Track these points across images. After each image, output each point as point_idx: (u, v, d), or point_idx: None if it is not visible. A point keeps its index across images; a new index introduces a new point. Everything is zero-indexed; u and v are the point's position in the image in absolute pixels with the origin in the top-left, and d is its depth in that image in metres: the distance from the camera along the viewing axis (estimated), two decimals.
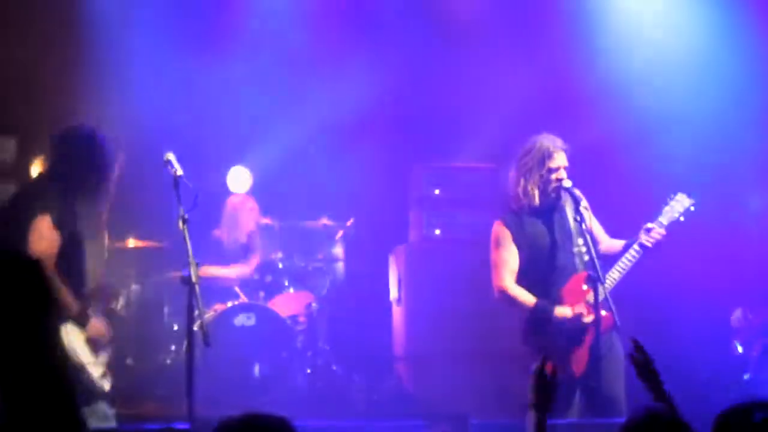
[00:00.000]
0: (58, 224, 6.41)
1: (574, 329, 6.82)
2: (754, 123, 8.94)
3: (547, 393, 4.20)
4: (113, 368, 6.80)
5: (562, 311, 6.83)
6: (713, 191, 8.55)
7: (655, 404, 4.01)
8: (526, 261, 7.04)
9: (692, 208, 7.11)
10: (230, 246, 9.59)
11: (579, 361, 6.83)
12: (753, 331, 7.87)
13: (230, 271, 9.40)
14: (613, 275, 6.89)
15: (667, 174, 8.53)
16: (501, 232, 7.10)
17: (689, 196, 7.12)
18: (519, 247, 7.05)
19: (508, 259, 7.04)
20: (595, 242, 7.05)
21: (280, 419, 3.31)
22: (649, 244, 6.94)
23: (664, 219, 7.05)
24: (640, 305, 8.25)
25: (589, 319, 6.75)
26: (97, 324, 6.61)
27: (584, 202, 7.02)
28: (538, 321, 6.90)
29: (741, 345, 7.94)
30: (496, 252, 7.11)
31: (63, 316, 6.32)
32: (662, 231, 6.96)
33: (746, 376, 7.92)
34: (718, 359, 8.11)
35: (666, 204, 7.11)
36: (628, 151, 9.25)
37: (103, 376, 6.57)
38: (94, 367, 6.53)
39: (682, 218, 7.08)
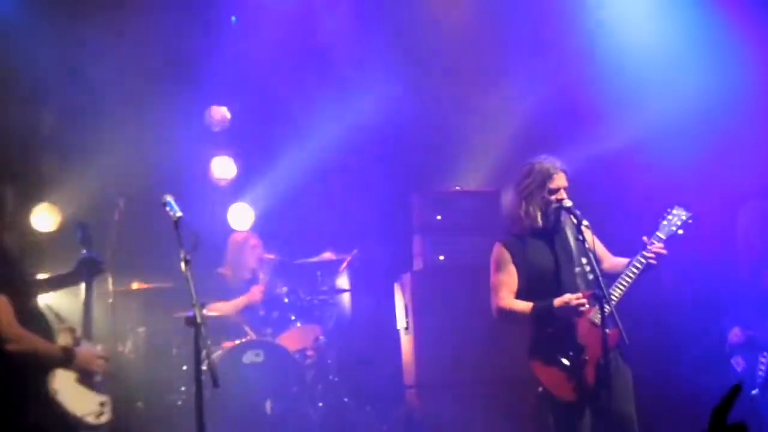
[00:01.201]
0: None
1: (578, 347, 6.80)
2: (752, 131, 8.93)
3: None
4: (119, 407, 6.75)
5: (561, 299, 6.78)
6: (711, 202, 8.58)
7: None
8: (527, 283, 7.02)
9: (690, 221, 7.11)
10: (235, 283, 9.60)
11: (587, 379, 6.80)
12: (754, 346, 7.85)
13: (238, 302, 9.39)
14: (615, 293, 6.87)
15: (666, 187, 8.53)
16: (501, 254, 7.09)
17: (686, 209, 7.13)
18: (519, 269, 7.03)
19: (508, 282, 7.03)
20: (597, 261, 7.04)
21: None
22: (650, 261, 6.94)
23: (662, 233, 7.04)
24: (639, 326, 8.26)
25: (586, 307, 6.72)
26: (85, 351, 6.45)
27: (585, 222, 7.02)
28: (541, 325, 6.85)
29: (744, 360, 7.91)
30: (495, 275, 7.09)
31: (47, 366, 6.19)
32: (660, 246, 6.96)
33: (754, 392, 7.89)
34: (721, 380, 8.09)
35: (663, 218, 7.11)
36: (626, 168, 9.24)
37: (99, 416, 6.45)
38: (90, 414, 6.42)
39: (680, 231, 7.08)
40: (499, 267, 7.05)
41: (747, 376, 7.90)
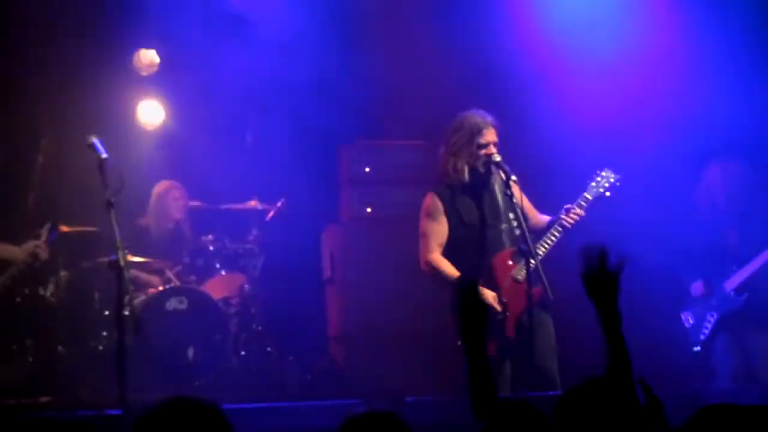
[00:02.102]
0: None
1: (500, 303, 6.84)
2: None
3: (478, 316, 4.03)
4: (41, 351, 6.69)
5: (484, 293, 6.81)
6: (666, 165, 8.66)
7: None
8: (454, 235, 7.06)
9: (618, 184, 7.18)
10: (157, 234, 9.50)
11: (506, 334, 6.85)
12: (706, 304, 7.94)
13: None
14: (540, 250, 6.93)
15: (600, 148, 8.57)
16: (433, 203, 7.11)
17: (615, 171, 7.18)
18: (449, 221, 7.05)
19: (438, 231, 7.05)
20: (525, 217, 7.09)
21: (208, 402, 3.27)
22: (569, 225, 7.01)
23: (590, 194, 7.11)
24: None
25: (502, 312, 6.78)
26: None
27: (513, 177, 7.04)
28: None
29: (693, 317, 8.01)
30: (426, 222, 7.11)
31: None
32: (580, 212, 7.02)
33: (696, 349, 7.99)
34: (669, 330, 8.18)
35: (592, 179, 7.17)
36: (559, 127, 9.26)
37: None
38: None
39: (608, 194, 7.15)
40: (431, 216, 7.07)
41: (693, 331, 8.00)
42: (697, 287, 8.02)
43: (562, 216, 7.04)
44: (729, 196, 7.98)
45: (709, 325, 7.91)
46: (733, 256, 7.92)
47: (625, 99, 9.19)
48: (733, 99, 8.81)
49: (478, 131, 7.06)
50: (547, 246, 6.98)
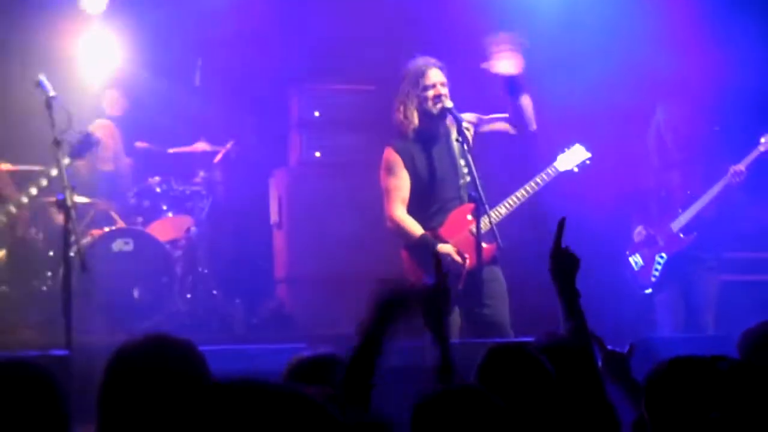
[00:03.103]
0: None
1: (453, 263, 6.84)
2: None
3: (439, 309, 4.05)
4: None
5: (444, 248, 6.84)
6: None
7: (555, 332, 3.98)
8: (414, 188, 7.03)
9: (588, 162, 7.21)
10: (90, 176, 9.36)
11: (455, 285, 6.86)
12: (653, 246, 8.02)
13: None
14: (500, 210, 6.94)
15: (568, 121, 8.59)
16: (392, 158, 7.06)
17: (587, 149, 7.23)
18: (409, 173, 7.03)
19: (400, 186, 7.02)
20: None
21: (186, 341, 3.27)
22: (537, 186, 7.02)
23: (559, 166, 7.14)
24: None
25: (464, 264, 6.79)
26: None
27: (467, 122, 7.02)
28: (422, 252, 6.90)
29: (642, 260, 8.08)
30: (387, 179, 7.07)
31: None
32: (546, 178, 7.05)
33: (648, 291, 8.08)
34: (618, 275, 8.25)
35: (563, 152, 7.20)
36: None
37: None
38: None
39: (576, 169, 7.18)
40: (391, 171, 7.03)
41: (643, 274, 8.09)
42: (639, 232, 8.11)
43: (537, 179, 7.06)
44: (674, 136, 8.06)
45: (659, 267, 8.01)
46: (679, 197, 8.02)
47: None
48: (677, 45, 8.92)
49: (421, 74, 7.02)
50: (510, 205, 6.98)
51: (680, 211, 7.97)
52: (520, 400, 3.37)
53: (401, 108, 7.06)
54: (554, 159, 7.23)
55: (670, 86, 8.61)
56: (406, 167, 7.03)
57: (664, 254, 8.01)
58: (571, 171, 7.23)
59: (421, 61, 7.07)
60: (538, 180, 7.06)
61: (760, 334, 4.16)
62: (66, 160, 6.61)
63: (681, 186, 8.05)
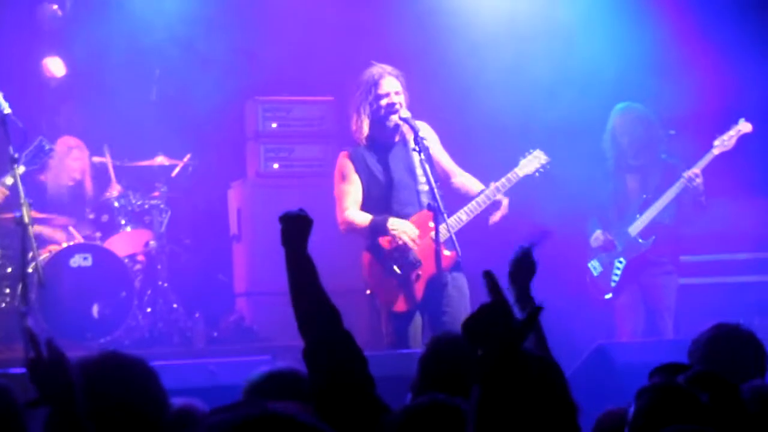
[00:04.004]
0: None
1: (410, 263, 6.84)
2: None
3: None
4: None
5: (397, 223, 6.82)
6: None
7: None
8: (368, 195, 7.03)
9: (548, 167, 7.23)
10: (55, 191, 9.32)
11: (415, 293, 6.87)
12: (611, 251, 8.06)
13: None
14: (461, 216, 6.94)
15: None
16: (344, 164, 7.07)
17: (547, 154, 7.25)
18: (362, 180, 7.02)
19: (351, 191, 7.01)
20: (446, 175, 7.10)
21: (138, 358, 3.26)
22: (498, 192, 7.02)
23: (520, 171, 7.15)
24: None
25: (417, 244, 6.78)
26: None
27: (424, 133, 7.02)
28: (376, 238, 6.89)
29: (600, 265, 8.12)
30: (339, 185, 7.07)
31: None
32: (507, 184, 7.05)
33: (608, 296, 8.11)
34: (576, 280, 8.28)
35: (524, 157, 7.21)
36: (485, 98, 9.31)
37: None
38: None
39: (537, 174, 7.20)
40: (343, 177, 7.03)
41: (602, 280, 8.12)
42: (596, 238, 8.15)
43: (492, 185, 7.05)
44: (631, 142, 8.11)
45: (619, 272, 8.05)
46: (636, 201, 8.07)
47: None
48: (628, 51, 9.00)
49: (374, 82, 6.99)
50: (470, 212, 6.99)
51: (637, 215, 8.02)
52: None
53: (354, 116, 7.06)
54: (515, 164, 7.24)
55: (626, 90, 8.67)
56: (359, 172, 7.02)
57: (622, 259, 8.05)
58: (532, 176, 7.24)
59: (375, 69, 7.05)
60: (499, 186, 7.06)
61: (708, 341, 4.18)
62: (21, 169, 6.57)
63: (638, 190, 8.11)
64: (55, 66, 9.85)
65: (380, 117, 6.98)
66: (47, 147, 7.60)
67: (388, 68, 7.06)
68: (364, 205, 7.03)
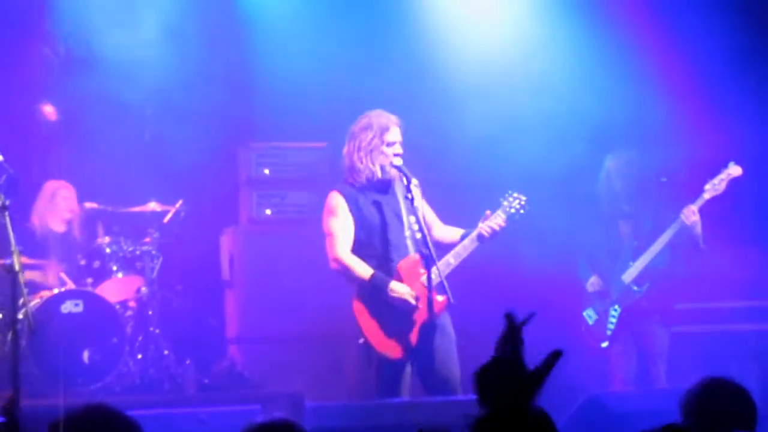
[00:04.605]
0: None
1: (405, 310, 6.82)
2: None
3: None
4: None
5: (399, 286, 6.83)
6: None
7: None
8: (357, 236, 7.03)
9: (527, 206, 7.21)
10: (43, 236, 9.29)
11: (410, 339, 6.85)
12: (606, 298, 8.04)
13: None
14: (449, 260, 6.93)
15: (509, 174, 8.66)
16: (336, 201, 7.07)
17: (523, 193, 7.25)
18: (354, 219, 7.02)
19: (344, 228, 7.01)
20: (428, 226, 7.10)
21: (122, 411, 3.23)
22: (486, 234, 7.01)
23: (503, 213, 7.14)
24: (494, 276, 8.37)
25: (420, 304, 6.78)
26: None
27: (415, 180, 7.05)
28: (372, 294, 6.88)
29: (595, 313, 8.09)
30: (331, 220, 7.06)
31: None
32: (500, 222, 7.04)
33: (604, 345, 8.08)
34: (573, 329, 8.26)
35: (504, 198, 7.21)
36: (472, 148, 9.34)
37: None
38: None
39: (518, 216, 7.19)
40: (334, 213, 7.02)
41: (598, 328, 8.08)
42: (593, 283, 8.13)
43: (480, 224, 7.04)
44: (624, 187, 8.11)
45: (614, 320, 8.02)
46: (630, 248, 8.05)
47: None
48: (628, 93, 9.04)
49: (384, 129, 7.06)
50: (458, 255, 6.99)
51: (631, 262, 8.01)
52: None
53: (356, 158, 7.07)
54: (497, 206, 7.22)
55: (620, 135, 8.70)
56: (351, 212, 7.02)
57: (617, 306, 8.03)
58: (515, 216, 7.21)
59: (383, 116, 7.10)
60: (485, 228, 7.04)
61: (699, 394, 4.18)
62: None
63: (630, 236, 8.10)
64: (48, 111, 9.86)
65: (383, 162, 7.01)
66: (10, 172, 7.50)
67: (394, 118, 7.12)
68: (354, 244, 7.03)
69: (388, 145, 7.04)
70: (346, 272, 7.00)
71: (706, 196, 7.92)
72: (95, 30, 9.54)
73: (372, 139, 7.05)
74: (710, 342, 8.69)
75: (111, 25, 9.58)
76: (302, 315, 9.24)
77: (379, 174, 7.04)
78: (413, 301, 6.80)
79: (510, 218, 7.13)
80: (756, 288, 8.87)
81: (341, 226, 7.02)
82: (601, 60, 9.22)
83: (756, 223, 8.99)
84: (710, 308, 8.95)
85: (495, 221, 7.05)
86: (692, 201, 7.93)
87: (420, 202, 7.17)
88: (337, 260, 7.01)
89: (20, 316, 6.55)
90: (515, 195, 7.23)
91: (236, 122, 9.75)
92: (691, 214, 7.83)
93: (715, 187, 7.91)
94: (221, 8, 9.99)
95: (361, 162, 7.06)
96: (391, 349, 6.83)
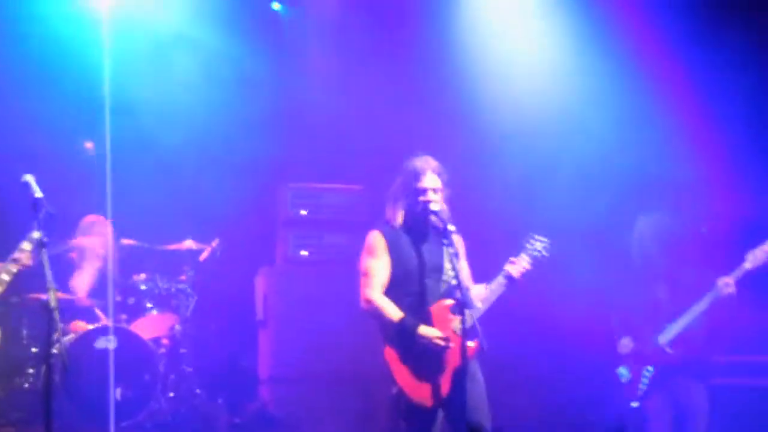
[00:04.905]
0: None
1: (436, 354, 6.79)
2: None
3: None
4: None
5: (428, 330, 6.79)
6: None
7: None
8: (393, 278, 7.00)
9: (550, 248, 7.17)
10: (82, 271, 9.35)
11: (442, 386, 6.81)
12: (640, 358, 7.97)
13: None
14: (478, 304, 6.88)
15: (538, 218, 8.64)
16: (376, 241, 7.03)
17: (545, 236, 7.20)
18: (392, 259, 6.99)
19: (380, 270, 6.96)
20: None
21: None
22: (516, 275, 6.97)
23: (527, 255, 7.10)
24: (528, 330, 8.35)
25: (451, 345, 6.75)
26: None
27: (452, 227, 7.00)
28: (401, 338, 6.86)
29: (629, 372, 8.02)
30: (368, 260, 7.02)
31: None
32: (525, 264, 7.00)
33: (635, 404, 8.00)
34: (605, 387, 8.21)
35: (527, 241, 7.17)
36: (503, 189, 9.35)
37: None
38: None
39: (541, 258, 7.14)
40: (373, 253, 6.98)
41: (630, 387, 8.01)
42: (626, 345, 8.05)
43: (507, 267, 7.00)
44: (659, 250, 8.03)
45: (646, 380, 7.93)
46: (666, 310, 7.96)
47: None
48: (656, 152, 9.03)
49: (415, 176, 7.02)
50: (487, 300, 6.94)
51: (667, 324, 7.91)
52: None
53: (391, 203, 7.07)
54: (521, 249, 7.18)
55: (653, 193, 8.67)
56: (389, 252, 7.00)
57: (650, 367, 7.95)
58: (541, 258, 7.16)
59: (418, 161, 7.07)
60: (513, 269, 7.00)
61: None
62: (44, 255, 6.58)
63: (668, 298, 7.99)
64: (89, 147, 9.94)
65: (415, 210, 6.99)
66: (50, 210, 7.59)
67: (433, 163, 7.06)
68: (389, 286, 7.01)
69: (417, 192, 7.00)
70: (376, 313, 6.96)
71: (747, 266, 7.75)
72: (136, 74, 9.61)
73: (404, 183, 7.04)
74: (753, 396, 8.56)
75: (150, 70, 9.66)
76: (335, 357, 9.24)
77: (403, 222, 7.02)
78: (443, 344, 6.76)
79: (534, 260, 7.09)
80: None
81: (377, 267, 6.99)
82: (636, 111, 9.22)
83: None
84: (750, 362, 8.84)
85: (521, 264, 7.01)
86: (733, 262, 7.80)
87: (460, 250, 7.13)
88: (368, 301, 6.98)
89: (54, 351, 6.56)
90: (538, 237, 7.19)
91: (275, 162, 9.79)
92: (726, 287, 7.71)
93: (756, 257, 7.76)
94: (260, 52, 10.05)
95: (393, 207, 7.06)
96: (424, 396, 6.79)
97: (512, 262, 6.99)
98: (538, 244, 7.08)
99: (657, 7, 9.25)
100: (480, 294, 7.01)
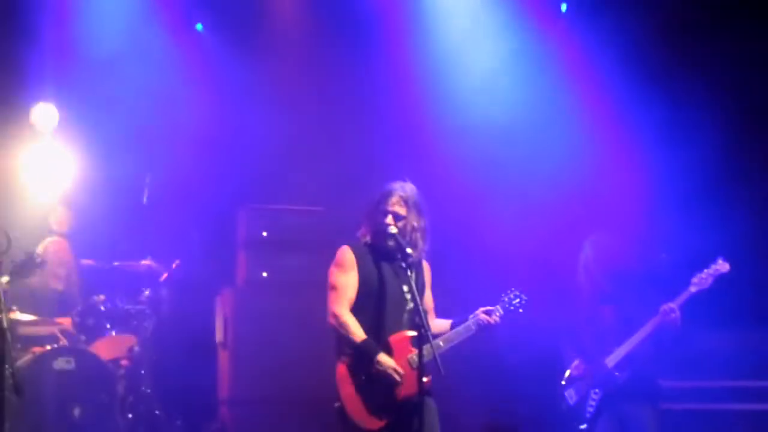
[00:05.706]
0: None
1: (387, 384, 6.78)
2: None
3: None
4: None
5: (387, 360, 6.78)
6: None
7: None
8: (359, 294, 7.00)
9: (525, 304, 7.20)
10: (42, 293, 9.32)
11: (385, 414, 6.79)
12: (588, 380, 8.00)
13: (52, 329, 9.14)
14: (440, 343, 6.88)
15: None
16: (347, 256, 7.03)
17: (522, 291, 7.25)
18: (360, 275, 6.99)
19: (348, 284, 6.95)
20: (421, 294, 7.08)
21: None
22: (484, 323, 6.99)
23: (502, 309, 7.13)
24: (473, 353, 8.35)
25: (400, 382, 6.75)
26: None
27: (409, 250, 6.99)
28: (359, 360, 6.85)
29: (576, 395, 8.05)
30: (337, 274, 7.01)
31: None
32: (496, 318, 7.03)
33: (582, 427, 8.03)
34: (553, 410, 8.24)
35: (506, 294, 7.20)
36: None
37: None
38: None
39: (520, 311, 7.18)
40: (342, 268, 6.98)
41: (577, 409, 8.03)
42: (576, 366, 8.09)
43: (480, 314, 7.02)
44: (604, 272, 8.09)
45: (594, 403, 7.97)
46: (612, 333, 8.01)
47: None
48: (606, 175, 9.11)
49: (382, 197, 7.07)
50: (451, 340, 6.95)
51: (614, 347, 7.96)
52: None
53: (363, 220, 7.11)
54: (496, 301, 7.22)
55: (599, 218, 8.73)
56: (358, 269, 7.01)
57: (598, 390, 7.98)
58: (516, 313, 7.21)
59: (394, 185, 7.09)
60: (487, 318, 7.02)
61: None
62: (4, 279, 6.59)
63: (614, 321, 8.04)
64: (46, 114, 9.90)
65: (378, 230, 7.02)
66: (38, 260, 7.65)
67: (397, 187, 7.07)
68: (355, 303, 7.00)
69: (384, 213, 7.05)
70: (341, 329, 6.95)
71: (692, 289, 7.84)
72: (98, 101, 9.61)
73: (373, 203, 7.08)
74: (700, 419, 8.63)
75: (113, 97, 9.67)
76: (294, 378, 9.23)
77: (368, 239, 7.05)
78: (397, 378, 6.77)
79: (508, 314, 7.13)
80: (740, 369, 8.85)
81: (346, 282, 6.99)
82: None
83: (738, 307, 8.99)
84: (700, 386, 8.91)
85: (495, 316, 7.04)
86: (678, 287, 7.86)
87: (426, 278, 7.15)
88: (336, 316, 6.97)
89: (7, 372, 6.53)
90: (516, 293, 7.23)
91: (235, 184, 9.80)
92: (670, 312, 7.78)
93: (702, 281, 7.85)
94: (222, 76, 10.07)
95: (364, 224, 7.10)
96: (363, 419, 6.78)
97: (487, 312, 7.02)
98: (516, 300, 7.12)
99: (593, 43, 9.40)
100: (444, 330, 7.03)
